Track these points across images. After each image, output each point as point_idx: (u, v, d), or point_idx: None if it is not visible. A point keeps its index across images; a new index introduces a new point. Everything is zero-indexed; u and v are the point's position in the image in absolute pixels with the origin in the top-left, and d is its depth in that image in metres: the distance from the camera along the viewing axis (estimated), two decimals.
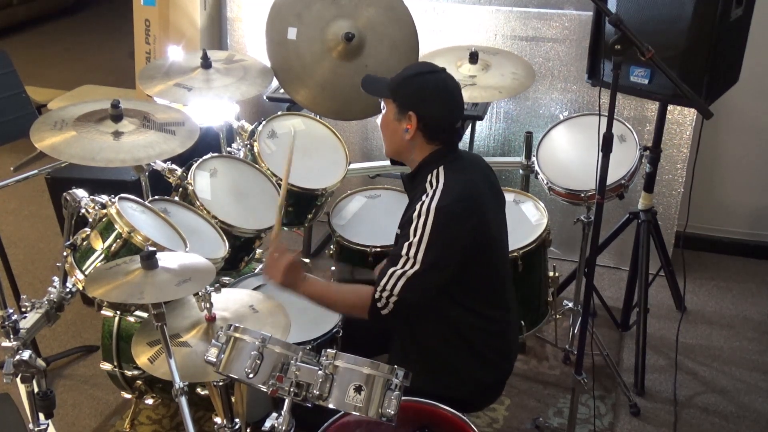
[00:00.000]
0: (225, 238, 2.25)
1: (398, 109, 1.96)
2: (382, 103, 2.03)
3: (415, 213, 1.88)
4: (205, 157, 2.44)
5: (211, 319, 1.93)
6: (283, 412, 1.64)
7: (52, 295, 2.09)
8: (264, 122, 2.65)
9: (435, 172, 1.94)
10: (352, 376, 1.61)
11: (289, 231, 3.66)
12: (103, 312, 2.22)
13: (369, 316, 1.90)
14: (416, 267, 1.85)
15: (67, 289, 2.10)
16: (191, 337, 1.91)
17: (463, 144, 2.64)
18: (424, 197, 1.90)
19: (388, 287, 1.86)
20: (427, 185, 1.93)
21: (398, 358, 2.06)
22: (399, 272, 1.86)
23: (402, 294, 1.85)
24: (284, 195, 2.08)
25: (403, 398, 1.62)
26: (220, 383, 1.95)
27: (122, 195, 2.08)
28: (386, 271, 1.88)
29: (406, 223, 1.91)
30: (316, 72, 2.69)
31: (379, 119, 2.05)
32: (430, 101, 1.94)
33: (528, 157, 2.94)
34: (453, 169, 1.95)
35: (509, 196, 2.65)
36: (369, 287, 1.91)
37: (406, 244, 1.87)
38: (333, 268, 2.68)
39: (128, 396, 2.54)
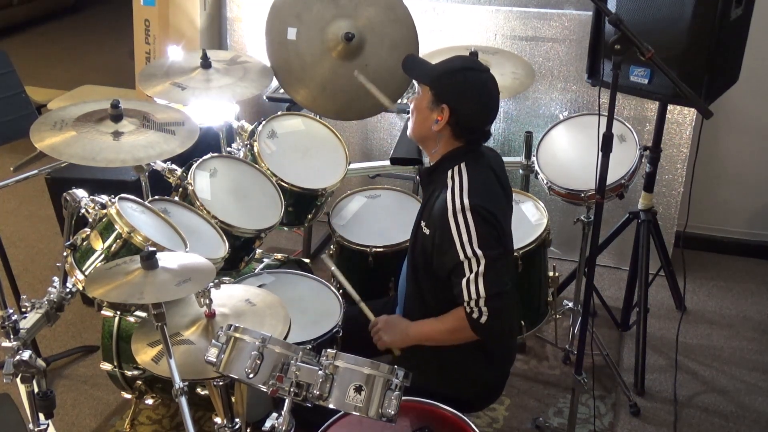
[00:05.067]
0: (225, 238, 2.25)
1: (433, 99, 1.95)
2: (417, 86, 2.03)
3: (449, 212, 1.87)
4: (205, 157, 2.44)
5: (211, 316, 1.93)
6: (283, 412, 1.64)
7: (52, 295, 2.08)
8: (264, 122, 2.65)
9: (457, 167, 1.95)
10: (352, 376, 1.61)
11: (289, 231, 3.66)
12: (103, 312, 2.22)
13: (474, 333, 1.90)
14: (483, 261, 1.84)
15: (67, 289, 2.09)
16: (191, 334, 1.91)
17: None
18: (447, 191, 1.90)
19: (473, 295, 1.85)
20: (449, 179, 1.93)
21: (409, 356, 2.06)
22: (472, 277, 1.85)
23: (489, 291, 1.84)
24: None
25: (403, 398, 1.62)
26: (221, 383, 1.95)
27: (122, 195, 2.08)
28: (461, 286, 1.86)
29: (437, 220, 1.90)
30: (316, 72, 2.68)
31: (412, 101, 2.05)
32: (467, 99, 1.93)
33: (528, 157, 2.94)
34: (475, 167, 1.96)
35: None
36: (458, 309, 1.91)
37: (458, 247, 1.85)
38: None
39: (128, 396, 2.54)
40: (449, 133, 1.96)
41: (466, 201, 1.87)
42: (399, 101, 2.83)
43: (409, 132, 2.08)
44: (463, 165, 1.95)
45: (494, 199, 1.96)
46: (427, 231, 1.96)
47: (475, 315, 1.87)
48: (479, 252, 1.84)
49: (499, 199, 2.01)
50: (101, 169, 2.30)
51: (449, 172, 1.94)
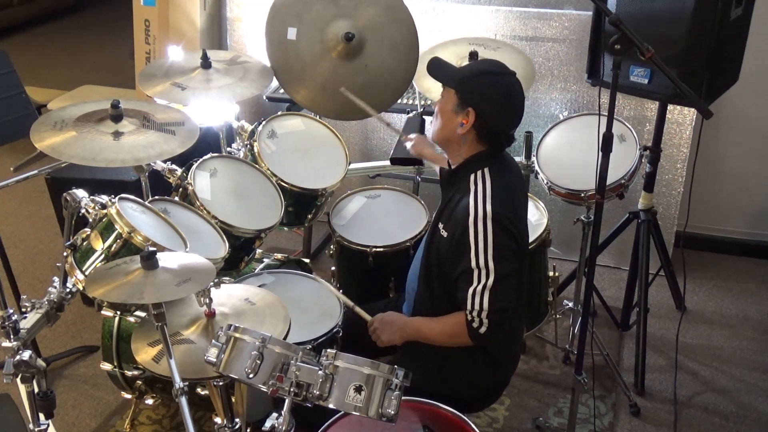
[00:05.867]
0: (225, 238, 2.25)
1: (459, 102, 1.94)
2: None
3: (470, 218, 1.86)
4: (205, 157, 2.43)
5: (211, 315, 1.93)
6: (283, 412, 1.64)
7: (52, 296, 2.08)
8: (264, 122, 2.65)
9: (480, 172, 1.94)
10: (352, 376, 1.61)
11: (289, 231, 3.67)
12: (103, 312, 2.22)
13: (471, 340, 1.91)
14: (492, 276, 1.85)
15: (67, 290, 2.09)
16: (191, 334, 1.91)
17: None
18: (470, 196, 1.90)
19: (476, 306, 1.86)
20: (471, 184, 1.93)
21: (410, 356, 2.06)
22: (479, 288, 1.86)
23: (492, 306, 1.85)
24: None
25: (403, 398, 1.62)
26: (221, 383, 1.95)
27: (122, 195, 2.08)
28: (466, 293, 1.87)
29: (457, 224, 1.90)
30: (316, 72, 2.68)
31: (436, 105, 2.05)
32: (493, 103, 1.94)
33: (528, 157, 2.93)
34: (498, 173, 1.95)
35: None
36: (459, 313, 1.92)
37: (472, 254, 1.85)
38: (333, 268, 2.69)
39: (128, 396, 2.54)
40: (474, 137, 1.96)
41: (488, 209, 1.86)
42: (399, 101, 2.83)
43: (432, 135, 2.08)
44: (486, 170, 1.94)
45: (516, 207, 1.97)
46: (444, 233, 1.96)
47: (475, 324, 1.88)
48: (491, 265, 1.85)
49: (520, 207, 2.02)
50: (101, 169, 2.30)
51: (472, 177, 1.94)
